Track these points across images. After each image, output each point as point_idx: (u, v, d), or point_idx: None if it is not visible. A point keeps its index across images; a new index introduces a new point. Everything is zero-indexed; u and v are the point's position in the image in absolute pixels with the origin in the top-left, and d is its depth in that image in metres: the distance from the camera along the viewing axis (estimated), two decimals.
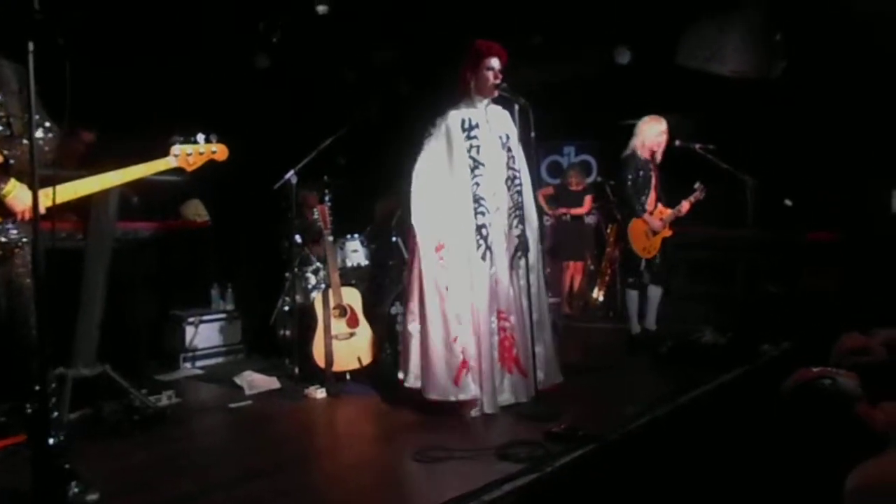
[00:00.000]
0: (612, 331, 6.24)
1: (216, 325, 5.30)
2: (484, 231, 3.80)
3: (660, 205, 5.31)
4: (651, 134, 5.21)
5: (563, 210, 7.15)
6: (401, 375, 3.88)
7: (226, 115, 4.41)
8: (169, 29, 5.41)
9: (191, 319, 5.15)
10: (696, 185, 5.25)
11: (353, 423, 3.96)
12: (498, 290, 3.83)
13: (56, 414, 2.81)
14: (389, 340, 4.55)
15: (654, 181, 5.27)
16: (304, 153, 4.61)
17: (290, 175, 4.49)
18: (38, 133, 2.45)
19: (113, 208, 3.73)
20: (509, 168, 3.93)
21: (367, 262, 5.32)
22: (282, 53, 6.39)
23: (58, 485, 2.44)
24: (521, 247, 3.86)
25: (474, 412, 3.72)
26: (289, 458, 3.23)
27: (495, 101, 3.95)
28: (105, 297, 3.75)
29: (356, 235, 5.35)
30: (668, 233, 5.30)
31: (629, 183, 5.23)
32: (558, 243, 7.18)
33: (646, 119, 5.29)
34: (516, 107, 3.84)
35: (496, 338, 3.82)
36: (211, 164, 2.86)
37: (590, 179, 7.68)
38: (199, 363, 5.14)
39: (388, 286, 5.08)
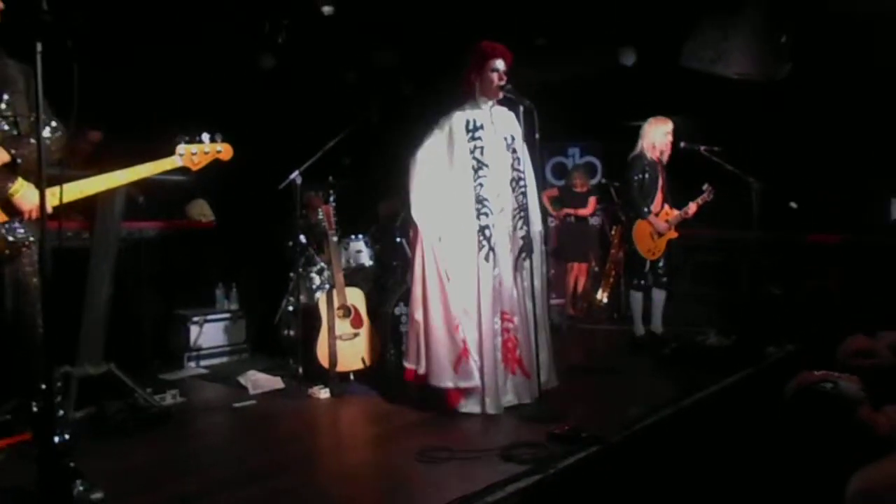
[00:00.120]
0: (616, 332, 6.23)
1: (220, 324, 5.32)
2: (487, 232, 3.81)
3: (666, 206, 5.31)
4: (658, 134, 5.22)
5: (568, 211, 7.15)
6: (406, 364, 3.87)
7: (231, 115, 4.42)
8: (174, 29, 5.43)
9: (195, 319, 5.17)
10: (705, 187, 5.24)
11: (357, 423, 3.97)
12: (501, 291, 3.83)
13: (61, 412, 2.81)
14: (393, 341, 4.55)
15: (661, 182, 5.27)
16: (308, 153, 4.62)
17: (295, 175, 4.51)
18: (45, 132, 2.46)
19: (119, 207, 3.74)
20: (514, 170, 3.94)
21: (371, 263, 5.33)
22: (287, 54, 6.40)
23: (63, 483, 2.44)
24: (526, 248, 3.87)
25: (467, 406, 3.72)
26: (292, 457, 3.24)
27: (500, 102, 3.95)
28: (110, 296, 3.77)
29: (360, 236, 5.36)
30: (673, 235, 5.30)
31: (635, 184, 5.23)
32: (562, 244, 7.18)
33: (651, 120, 5.30)
34: (521, 108, 3.84)
35: (499, 339, 3.82)
36: (216, 164, 2.88)
37: (594, 181, 7.67)
38: (203, 363, 5.16)
39: (391, 287, 5.09)
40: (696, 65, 6.00)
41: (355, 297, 4.56)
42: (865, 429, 1.66)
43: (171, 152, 2.75)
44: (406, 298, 4.02)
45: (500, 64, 3.84)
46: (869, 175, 6.10)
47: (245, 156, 2.99)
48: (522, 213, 3.88)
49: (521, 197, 3.90)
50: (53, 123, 2.63)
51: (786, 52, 5.94)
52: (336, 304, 4.46)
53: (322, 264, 5.12)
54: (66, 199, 2.45)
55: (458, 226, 3.80)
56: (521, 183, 3.91)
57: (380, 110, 6.35)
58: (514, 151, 3.96)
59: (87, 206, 3.39)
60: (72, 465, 2.57)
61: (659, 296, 5.38)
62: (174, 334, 5.20)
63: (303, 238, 4.99)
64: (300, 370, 4.53)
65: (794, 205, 5.90)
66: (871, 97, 5.86)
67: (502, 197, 3.89)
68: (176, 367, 5.02)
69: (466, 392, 3.75)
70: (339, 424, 3.98)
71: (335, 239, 4.65)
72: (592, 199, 7.19)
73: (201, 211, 5.08)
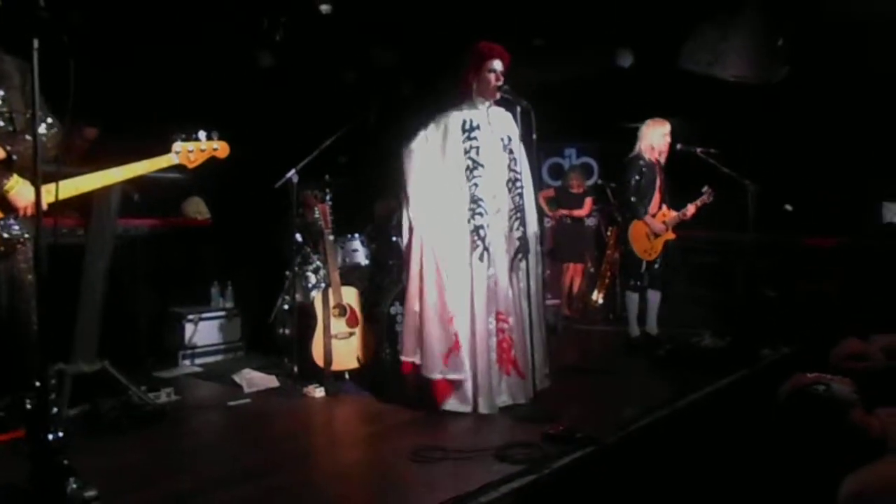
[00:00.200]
0: (611, 333, 6.24)
1: (216, 322, 5.31)
2: (482, 232, 3.81)
3: (664, 207, 5.32)
4: (656, 136, 5.23)
5: (564, 212, 7.16)
6: (403, 357, 3.84)
7: (227, 112, 4.42)
8: (171, 26, 5.41)
9: (190, 317, 5.16)
10: (704, 189, 5.25)
11: (351, 422, 3.97)
12: (497, 291, 3.83)
13: (55, 410, 2.81)
14: (388, 340, 4.55)
15: (658, 184, 5.28)
16: (305, 152, 4.61)
17: (292, 174, 4.50)
18: (41, 129, 2.46)
19: (114, 205, 3.73)
20: (510, 170, 3.94)
21: (366, 262, 5.33)
22: (284, 52, 6.39)
23: (56, 480, 2.44)
24: (522, 249, 3.87)
25: (452, 404, 3.72)
26: (287, 456, 3.24)
27: (498, 102, 3.96)
28: (105, 293, 3.76)
29: (356, 235, 5.36)
30: (670, 236, 5.31)
31: (632, 185, 5.24)
32: (558, 245, 7.18)
33: (649, 122, 5.31)
34: (518, 109, 3.84)
35: (494, 339, 3.82)
36: (212, 162, 2.87)
37: (591, 182, 7.69)
38: (198, 360, 5.15)
39: (387, 286, 5.09)
40: (694, 67, 6.03)
41: (351, 297, 4.56)
42: (858, 431, 1.66)
43: (168, 150, 2.74)
44: (401, 298, 4.02)
45: (497, 64, 3.85)
46: (863, 178, 6.12)
47: (242, 154, 2.99)
48: (519, 214, 3.88)
49: (517, 198, 3.90)
50: (49, 120, 2.62)
51: (782, 56, 5.96)
52: (331, 303, 4.46)
53: (318, 263, 5.11)
54: (61, 196, 2.45)
55: (451, 225, 3.80)
56: (518, 184, 3.91)
57: (377, 110, 6.34)
58: (511, 152, 3.96)
59: (82, 204, 3.39)
60: (65, 462, 2.55)
61: (654, 297, 5.39)
62: (169, 332, 5.19)
63: (299, 237, 4.98)
64: (295, 369, 4.52)
65: (789, 207, 5.92)
66: (867, 101, 5.88)
67: (498, 198, 3.89)
68: (170, 364, 5.01)
69: (454, 385, 3.74)
70: (333, 423, 3.98)
71: (331, 238, 4.64)
72: (589, 200, 7.21)
73: (197, 209, 5.07)
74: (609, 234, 7.18)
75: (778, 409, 1.76)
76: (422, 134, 3.90)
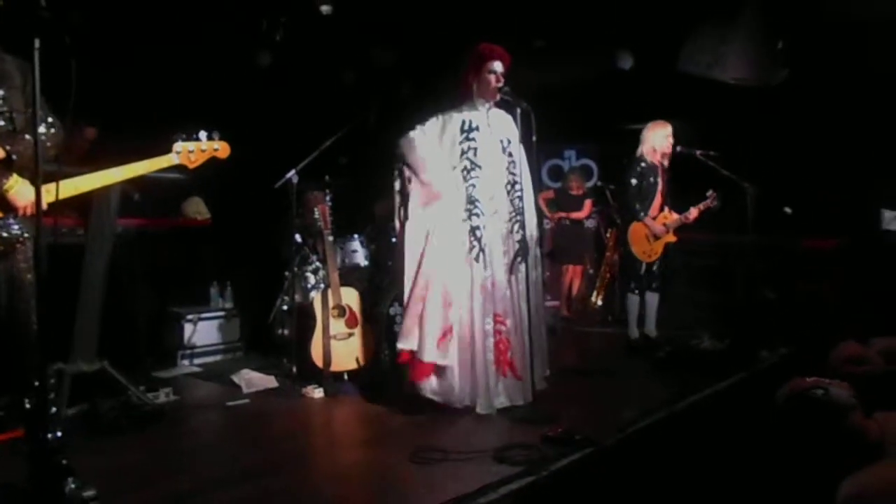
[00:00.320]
0: (610, 335, 6.24)
1: (215, 322, 5.32)
2: (478, 233, 3.81)
3: (666, 209, 5.32)
4: (658, 138, 5.23)
5: (563, 214, 7.16)
6: (401, 346, 3.79)
7: (228, 113, 4.41)
8: (172, 26, 5.41)
9: (189, 317, 5.17)
10: (709, 193, 5.25)
11: (350, 423, 3.97)
12: (494, 293, 3.83)
13: (54, 409, 2.81)
14: (388, 341, 4.54)
15: (660, 186, 5.27)
16: (305, 152, 4.61)
17: (291, 174, 4.50)
18: (41, 129, 2.45)
19: (114, 205, 3.73)
20: (509, 173, 3.94)
21: (366, 263, 5.33)
22: (284, 52, 6.40)
23: (55, 480, 2.44)
24: (522, 252, 3.87)
25: (428, 388, 3.71)
26: (286, 457, 3.24)
27: (498, 104, 3.96)
28: (105, 293, 3.76)
29: (356, 236, 5.36)
30: (671, 238, 5.30)
31: (632, 187, 5.24)
32: (558, 247, 7.19)
33: (650, 125, 5.31)
34: (518, 110, 3.84)
35: (491, 340, 3.81)
36: (212, 162, 2.87)
37: (590, 183, 7.69)
38: (197, 361, 5.15)
39: (386, 287, 5.08)
40: (693, 69, 6.02)
41: (350, 297, 4.56)
42: (856, 435, 1.67)
43: (168, 150, 2.74)
44: (401, 299, 4.01)
45: (497, 66, 3.85)
46: (862, 179, 6.12)
47: (242, 154, 2.99)
48: (519, 217, 3.88)
49: (517, 200, 3.89)
50: (49, 120, 2.62)
51: (782, 58, 5.97)
52: (331, 303, 4.46)
53: (317, 264, 5.11)
54: (61, 196, 2.45)
55: (447, 225, 3.80)
56: (517, 186, 3.91)
57: (377, 110, 6.35)
58: (510, 155, 3.96)
59: (81, 203, 3.38)
60: (64, 462, 2.56)
61: (652, 299, 5.40)
62: (168, 332, 5.19)
63: (298, 237, 4.99)
64: (294, 369, 4.52)
65: (788, 210, 5.92)
66: (867, 102, 5.88)
67: (496, 199, 3.89)
68: (169, 364, 5.01)
69: (437, 371, 3.72)
70: (332, 424, 3.98)
71: (330, 238, 4.64)
72: (588, 202, 7.21)
73: (197, 209, 5.07)
74: (608, 235, 7.19)
75: (777, 413, 1.76)
76: (419, 127, 3.91)
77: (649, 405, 3.77)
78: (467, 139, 3.87)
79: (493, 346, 3.81)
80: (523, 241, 3.86)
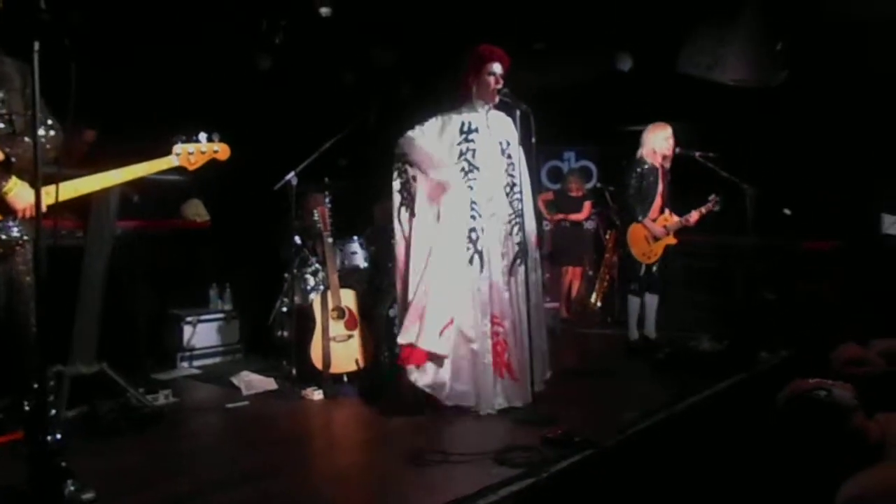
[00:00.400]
0: (609, 336, 6.24)
1: (214, 324, 5.31)
2: (474, 235, 3.81)
3: (667, 211, 5.32)
4: (658, 140, 5.23)
5: (562, 216, 7.17)
6: (401, 340, 3.76)
7: (228, 114, 4.41)
8: (172, 29, 5.41)
9: (189, 319, 5.16)
10: (711, 197, 5.25)
11: (350, 425, 3.96)
12: (492, 294, 3.83)
13: (53, 412, 2.81)
14: (387, 343, 4.54)
15: (661, 188, 5.27)
16: (305, 154, 4.61)
17: (291, 176, 4.50)
18: (41, 131, 2.45)
19: (113, 207, 3.73)
20: (508, 175, 3.94)
21: (366, 265, 5.32)
22: (284, 54, 6.40)
23: (54, 483, 2.44)
24: (521, 254, 3.86)
25: (420, 375, 3.69)
26: (285, 459, 3.24)
27: (497, 106, 3.96)
28: (104, 295, 3.76)
29: (355, 237, 5.36)
30: (672, 241, 5.30)
31: (632, 189, 5.24)
32: (557, 248, 7.19)
33: (650, 127, 5.31)
34: (518, 112, 3.84)
35: (489, 342, 3.81)
36: (211, 165, 2.86)
37: (590, 185, 7.70)
38: (196, 363, 5.15)
39: (386, 288, 5.08)
40: (693, 71, 6.03)
41: (349, 299, 4.56)
42: (858, 436, 1.67)
43: (168, 152, 2.74)
44: (404, 299, 3.99)
45: (497, 68, 3.85)
46: (862, 182, 6.13)
47: (241, 156, 2.98)
48: (518, 219, 3.88)
49: (516, 203, 3.90)
50: (49, 122, 2.62)
51: (782, 59, 5.97)
52: (330, 305, 4.46)
53: (317, 265, 5.11)
54: (61, 198, 2.45)
55: (455, 220, 3.79)
56: (516, 189, 3.91)
57: (377, 112, 6.35)
58: (510, 157, 3.96)
59: (80, 205, 3.38)
60: (63, 464, 2.56)
61: (652, 300, 5.40)
62: (167, 334, 5.18)
63: (298, 239, 4.98)
64: (293, 371, 4.52)
65: (788, 212, 5.92)
66: (867, 102, 5.89)
67: (494, 201, 3.89)
68: (169, 366, 5.01)
69: (433, 360, 3.70)
70: (332, 426, 3.98)
71: (330, 240, 4.64)
72: (587, 204, 7.22)
73: (196, 211, 5.06)
74: (607, 237, 7.19)
75: (778, 414, 1.76)
76: (418, 128, 3.92)
77: (649, 406, 3.77)
78: (466, 140, 3.87)
79: (490, 347, 3.81)
80: (523, 244, 3.86)
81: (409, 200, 3.89)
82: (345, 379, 4.49)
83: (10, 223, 2.54)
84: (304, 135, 4.90)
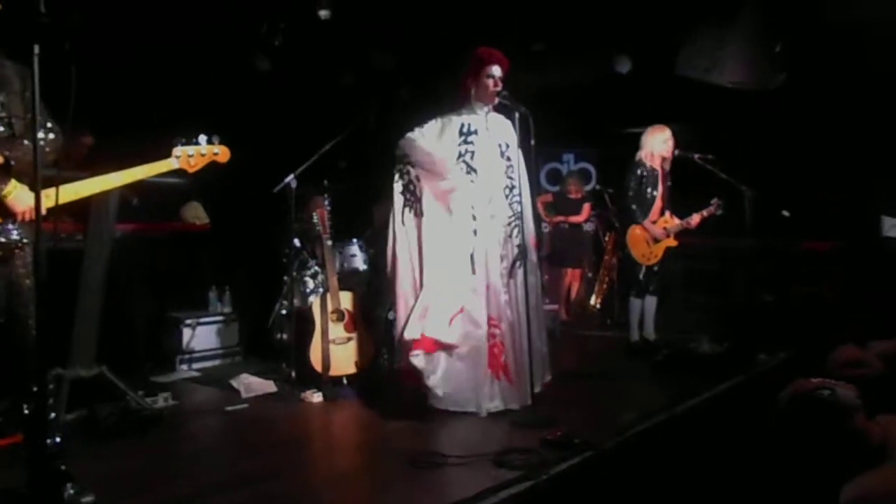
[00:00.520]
0: (609, 338, 6.25)
1: (213, 327, 5.31)
2: (472, 236, 3.81)
3: (667, 214, 5.32)
4: (657, 142, 5.23)
5: (561, 218, 7.17)
6: (407, 336, 3.74)
7: (227, 117, 4.41)
8: (172, 31, 5.42)
9: (188, 321, 5.16)
10: (713, 201, 5.25)
11: (349, 427, 3.96)
12: (489, 296, 3.82)
13: (53, 415, 2.80)
14: (387, 345, 4.55)
15: (661, 190, 5.28)
16: (304, 157, 4.61)
17: (290, 179, 4.50)
18: (40, 134, 2.45)
19: (113, 209, 3.73)
20: (507, 177, 3.94)
21: (365, 267, 5.32)
22: (283, 57, 6.40)
23: (54, 486, 2.43)
24: (521, 256, 3.86)
25: (424, 362, 3.68)
26: (284, 462, 3.24)
27: (496, 108, 3.96)
28: (103, 298, 3.75)
29: (355, 240, 5.36)
30: (672, 243, 5.30)
31: (631, 191, 5.25)
32: (556, 250, 7.19)
33: (649, 130, 5.32)
34: (517, 114, 3.85)
35: (485, 344, 3.81)
36: (211, 167, 2.87)
37: (589, 187, 7.70)
38: (195, 365, 5.14)
39: (385, 291, 5.08)
40: (691, 73, 6.04)
41: (349, 302, 4.56)
42: (860, 437, 1.66)
43: (168, 154, 2.74)
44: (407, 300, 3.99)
45: (496, 70, 3.86)
46: (862, 182, 6.13)
47: (241, 158, 2.99)
48: (517, 221, 3.88)
49: (515, 205, 3.90)
50: (49, 125, 2.62)
51: (780, 61, 5.98)
52: (330, 307, 4.46)
53: (316, 268, 5.11)
54: (60, 201, 2.44)
55: (460, 219, 3.80)
56: (516, 191, 3.92)
57: (377, 114, 6.35)
58: (509, 159, 3.97)
59: (80, 208, 3.38)
60: (63, 467, 2.56)
61: (651, 302, 5.40)
62: (167, 337, 5.18)
63: (297, 241, 4.98)
64: (293, 374, 4.52)
65: (786, 213, 5.93)
66: (866, 103, 5.89)
67: (493, 203, 3.89)
68: (168, 369, 5.00)
69: (439, 347, 3.69)
70: (331, 429, 3.97)
71: (329, 243, 4.64)
72: (587, 206, 7.22)
73: (195, 213, 5.07)
74: (607, 239, 7.19)
75: (780, 414, 1.75)
76: (417, 130, 3.92)
77: (648, 408, 3.77)
78: (465, 142, 3.87)
79: (486, 349, 3.81)
80: (522, 246, 3.86)
81: (413, 201, 3.89)
82: (344, 381, 4.48)
83: (10, 226, 2.54)
84: (304, 137, 4.90)
